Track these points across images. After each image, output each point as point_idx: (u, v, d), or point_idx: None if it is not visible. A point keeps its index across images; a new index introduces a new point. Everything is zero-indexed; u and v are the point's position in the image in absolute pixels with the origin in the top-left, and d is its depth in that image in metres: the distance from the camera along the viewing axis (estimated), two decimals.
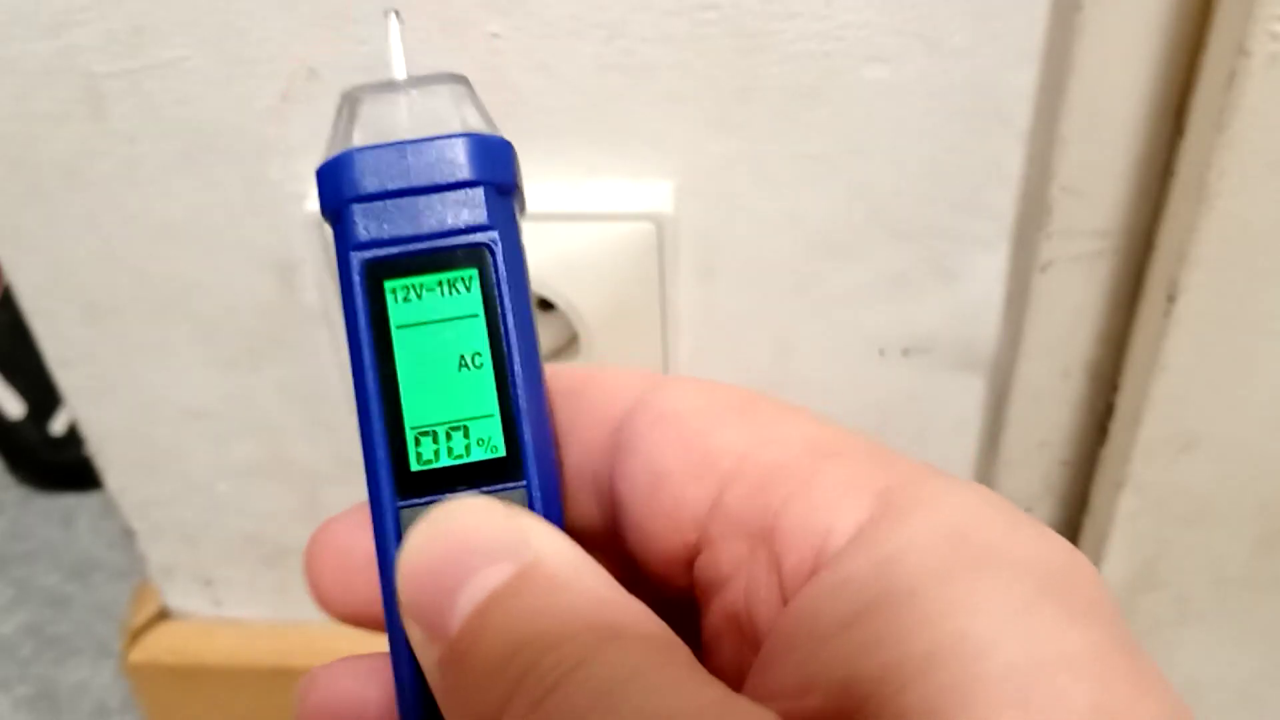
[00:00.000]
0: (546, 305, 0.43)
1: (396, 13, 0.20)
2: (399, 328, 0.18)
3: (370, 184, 0.18)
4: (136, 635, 0.58)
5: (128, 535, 0.56)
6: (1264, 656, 0.51)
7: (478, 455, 0.18)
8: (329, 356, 0.47)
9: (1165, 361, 0.41)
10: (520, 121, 0.40)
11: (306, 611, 0.20)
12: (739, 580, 0.18)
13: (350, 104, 0.19)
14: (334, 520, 0.20)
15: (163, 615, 0.59)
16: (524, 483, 0.18)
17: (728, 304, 0.45)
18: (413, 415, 0.18)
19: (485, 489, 0.18)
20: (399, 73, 0.20)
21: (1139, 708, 0.14)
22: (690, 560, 0.19)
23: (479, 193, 0.19)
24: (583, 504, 0.20)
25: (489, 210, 0.19)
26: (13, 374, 0.89)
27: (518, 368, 0.18)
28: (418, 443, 0.18)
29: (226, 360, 0.48)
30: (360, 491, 0.19)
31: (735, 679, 0.18)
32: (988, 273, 0.43)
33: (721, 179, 0.41)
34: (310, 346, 0.47)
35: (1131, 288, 0.43)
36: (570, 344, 0.44)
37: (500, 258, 0.19)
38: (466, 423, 0.18)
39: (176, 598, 0.58)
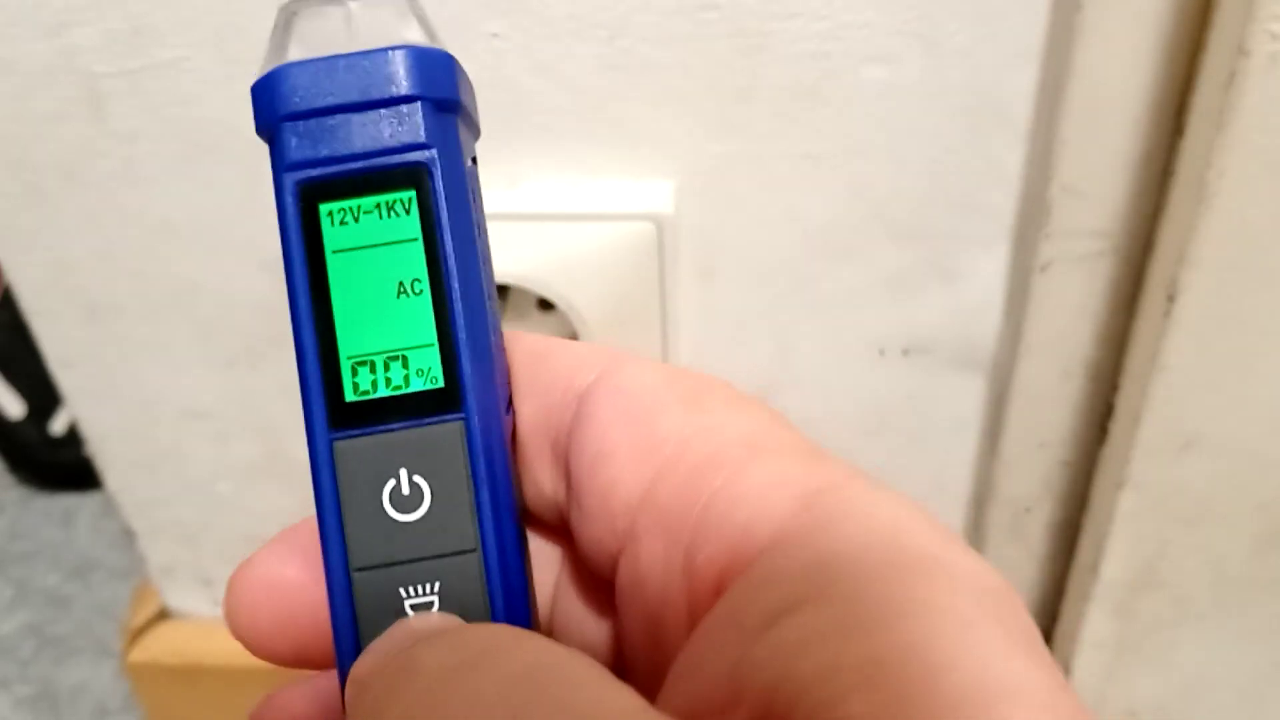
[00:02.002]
0: (546, 305, 0.43)
1: None
2: (334, 253, 0.17)
3: (302, 100, 0.17)
4: (136, 635, 0.58)
5: (128, 535, 0.56)
6: (1264, 656, 0.51)
7: (416, 386, 0.17)
8: None
9: (1165, 361, 0.41)
10: (520, 121, 0.40)
11: None
12: (654, 581, 0.18)
13: (286, 18, 0.18)
14: (256, 556, 0.19)
15: (163, 615, 0.59)
16: (462, 415, 0.17)
17: (728, 304, 0.45)
18: (348, 344, 0.18)
19: (423, 421, 0.17)
20: None
21: None
22: (618, 554, 0.18)
23: (416, 108, 0.17)
24: (539, 470, 0.20)
25: (427, 127, 0.17)
26: (13, 374, 0.89)
27: (458, 296, 0.17)
28: (354, 372, 0.18)
29: (226, 360, 0.48)
30: None
31: (651, 693, 0.17)
32: (988, 273, 0.43)
33: (721, 179, 0.41)
34: None
35: (1131, 288, 0.42)
36: None
37: (440, 179, 0.17)
38: (405, 352, 0.17)
39: (176, 598, 0.58)
